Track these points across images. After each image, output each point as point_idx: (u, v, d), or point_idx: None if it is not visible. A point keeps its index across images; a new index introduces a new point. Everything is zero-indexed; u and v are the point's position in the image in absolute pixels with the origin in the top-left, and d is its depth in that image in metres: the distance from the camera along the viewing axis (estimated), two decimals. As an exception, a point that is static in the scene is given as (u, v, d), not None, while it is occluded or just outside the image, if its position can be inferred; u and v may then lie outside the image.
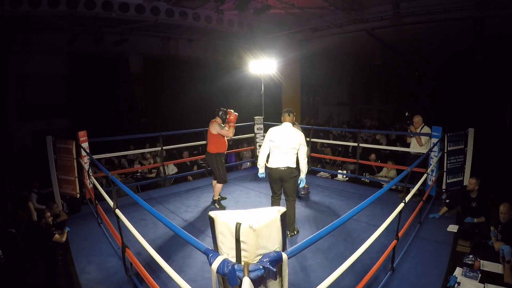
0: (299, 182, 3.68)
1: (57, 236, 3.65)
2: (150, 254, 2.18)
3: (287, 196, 3.70)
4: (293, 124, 3.68)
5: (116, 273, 2.99)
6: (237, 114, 4.61)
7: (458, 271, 2.93)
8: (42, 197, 5.19)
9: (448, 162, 4.71)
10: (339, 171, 7.25)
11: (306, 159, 3.62)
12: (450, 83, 14.43)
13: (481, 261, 3.05)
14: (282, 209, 1.55)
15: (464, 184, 4.40)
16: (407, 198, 2.94)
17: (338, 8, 7.03)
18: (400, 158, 7.34)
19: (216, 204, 4.68)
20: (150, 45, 9.61)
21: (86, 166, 4.50)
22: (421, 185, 3.84)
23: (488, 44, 7.50)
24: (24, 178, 6.65)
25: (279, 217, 1.50)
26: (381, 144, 9.11)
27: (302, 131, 3.73)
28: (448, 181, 4.76)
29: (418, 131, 4.90)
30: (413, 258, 3.18)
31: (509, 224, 3.26)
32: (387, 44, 9.87)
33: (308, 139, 5.99)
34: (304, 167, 3.63)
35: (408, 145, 5.21)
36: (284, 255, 1.44)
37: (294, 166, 3.57)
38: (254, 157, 6.94)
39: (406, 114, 5.12)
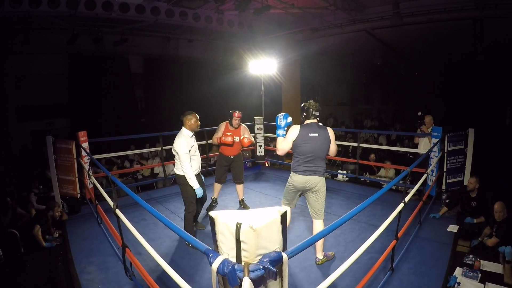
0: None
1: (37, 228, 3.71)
2: (150, 254, 2.18)
3: None
4: (193, 129, 3.43)
5: (116, 273, 2.99)
6: (231, 138, 4.20)
7: (458, 271, 2.93)
8: (42, 197, 5.19)
9: (448, 162, 4.71)
10: (339, 171, 7.25)
11: (185, 168, 3.30)
12: (450, 83, 14.47)
13: (481, 261, 3.06)
14: (282, 209, 1.55)
15: (464, 184, 4.40)
16: (407, 198, 2.94)
17: (338, 8, 7.03)
18: (401, 159, 7.36)
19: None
20: (150, 45, 9.62)
21: (86, 166, 4.50)
22: (421, 185, 3.84)
23: (488, 44, 7.51)
24: (24, 178, 6.65)
25: (279, 218, 1.50)
26: (381, 144, 9.12)
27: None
28: (448, 181, 4.76)
29: (429, 131, 4.88)
30: (413, 258, 3.18)
31: (504, 223, 3.28)
32: (387, 44, 9.88)
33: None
34: (186, 176, 3.34)
35: (414, 145, 5.19)
36: (284, 255, 1.44)
37: (178, 172, 3.42)
38: (255, 157, 6.94)
39: (419, 113, 5.02)
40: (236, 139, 4.32)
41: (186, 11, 7.17)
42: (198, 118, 3.48)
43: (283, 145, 2.99)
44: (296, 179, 3.02)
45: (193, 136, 3.48)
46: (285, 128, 3.06)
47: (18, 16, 5.95)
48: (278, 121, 3.07)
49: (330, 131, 3.04)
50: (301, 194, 3.14)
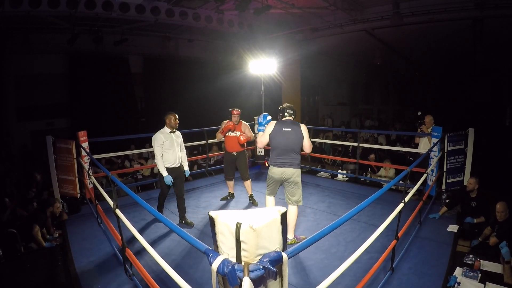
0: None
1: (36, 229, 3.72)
2: (150, 254, 2.18)
3: None
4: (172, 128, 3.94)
5: (116, 273, 2.99)
6: (232, 124, 4.56)
7: (458, 271, 2.93)
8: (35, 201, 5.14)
9: (448, 162, 4.71)
10: (339, 171, 7.25)
11: (156, 158, 3.86)
12: (450, 83, 14.45)
13: (481, 261, 3.05)
14: (282, 209, 1.55)
15: (464, 184, 4.40)
16: (407, 198, 2.93)
17: (338, 8, 7.03)
18: (401, 159, 7.35)
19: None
20: (150, 45, 9.61)
21: (86, 166, 4.50)
22: (421, 185, 3.84)
23: (488, 44, 7.50)
24: (24, 178, 6.65)
25: (279, 217, 1.50)
26: (380, 144, 9.11)
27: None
28: (448, 181, 4.76)
29: (429, 131, 4.88)
30: (413, 258, 3.18)
31: (506, 223, 3.27)
32: (387, 44, 9.87)
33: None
34: (157, 165, 3.88)
35: (414, 146, 5.19)
36: (284, 255, 1.44)
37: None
38: (255, 157, 6.94)
39: (419, 113, 5.05)
40: (237, 133, 4.62)
41: (186, 11, 7.16)
42: (177, 117, 3.98)
43: (262, 138, 3.44)
44: (274, 171, 3.39)
45: (173, 132, 3.97)
46: (265, 125, 3.53)
47: (18, 16, 5.94)
48: (259, 119, 3.69)
49: (303, 127, 3.35)
50: (280, 184, 3.48)
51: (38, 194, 5.24)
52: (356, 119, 14.47)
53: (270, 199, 3.59)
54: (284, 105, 3.48)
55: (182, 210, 4.11)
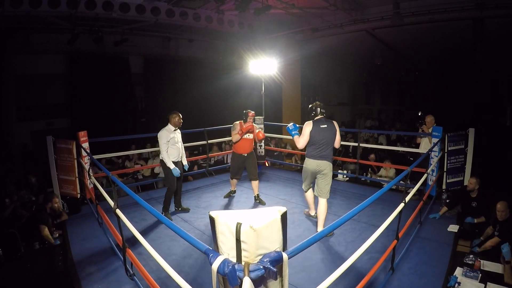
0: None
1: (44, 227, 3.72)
2: (150, 254, 2.18)
3: None
4: (175, 125, 4.27)
5: (116, 273, 2.99)
6: (252, 125, 4.61)
7: (458, 271, 2.93)
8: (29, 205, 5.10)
9: (449, 162, 4.71)
10: (339, 171, 7.25)
11: (162, 153, 4.13)
12: (450, 83, 14.46)
13: (482, 261, 3.05)
14: (282, 209, 1.55)
15: (465, 184, 4.40)
16: (407, 198, 2.93)
17: (339, 8, 7.03)
18: (401, 159, 7.36)
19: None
20: (150, 45, 9.62)
21: (87, 166, 4.50)
22: (422, 185, 3.84)
23: (488, 44, 7.50)
24: (24, 178, 6.65)
25: (279, 217, 1.50)
26: (381, 144, 9.11)
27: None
28: (448, 181, 4.75)
29: (430, 131, 4.88)
30: (413, 258, 3.18)
31: (507, 222, 3.27)
32: (388, 44, 9.87)
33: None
34: (163, 159, 4.14)
35: (415, 145, 5.18)
36: (285, 255, 1.44)
37: (161, 157, 4.19)
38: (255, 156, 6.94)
39: (420, 113, 5.09)
40: (250, 136, 4.68)
41: (186, 11, 7.17)
42: (181, 117, 4.29)
43: (303, 139, 3.65)
44: (309, 163, 3.70)
45: (176, 130, 4.27)
46: (297, 131, 3.78)
47: (18, 16, 5.95)
48: (290, 128, 3.82)
49: (335, 124, 3.72)
50: (314, 178, 3.78)
51: (34, 197, 5.21)
52: (360, 119, 14.49)
53: (309, 193, 3.94)
54: (316, 103, 3.75)
55: (179, 197, 4.47)
